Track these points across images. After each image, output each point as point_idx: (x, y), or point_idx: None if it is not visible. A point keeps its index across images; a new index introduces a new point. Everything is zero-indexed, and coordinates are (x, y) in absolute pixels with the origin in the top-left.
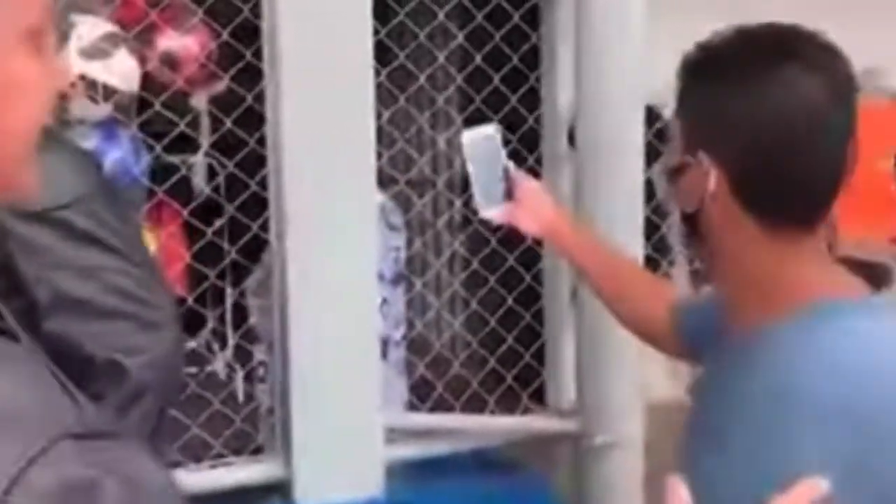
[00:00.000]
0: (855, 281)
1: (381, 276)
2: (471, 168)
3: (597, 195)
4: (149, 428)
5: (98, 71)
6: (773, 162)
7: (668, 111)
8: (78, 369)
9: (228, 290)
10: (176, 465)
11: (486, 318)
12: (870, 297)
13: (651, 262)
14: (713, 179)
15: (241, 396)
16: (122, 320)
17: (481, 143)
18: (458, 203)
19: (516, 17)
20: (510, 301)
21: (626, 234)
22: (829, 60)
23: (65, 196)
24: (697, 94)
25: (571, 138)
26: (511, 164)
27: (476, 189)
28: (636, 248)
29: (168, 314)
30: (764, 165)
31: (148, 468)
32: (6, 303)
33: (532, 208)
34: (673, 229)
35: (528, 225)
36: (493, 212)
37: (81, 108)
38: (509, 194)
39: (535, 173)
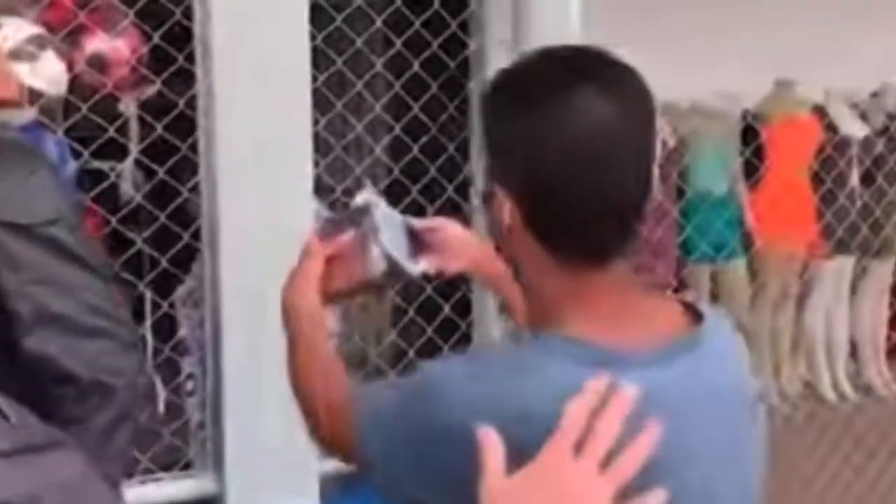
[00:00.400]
0: (633, 324)
1: None
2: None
3: None
4: (132, 452)
5: (24, 73)
6: (560, 193)
7: None
8: (59, 389)
9: (147, 297)
10: None
11: (424, 326)
12: (627, 345)
13: None
14: (507, 211)
15: (161, 409)
16: (102, 339)
17: (373, 209)
18: (395, 212)
19: (454, 26)
20: (447, 310)
21: None
22: (623, 83)
23: (51, 211)
24: (491, 123)
25: None
26: (409, 219)
27: (393, 253)
28: None
29: (136, 333)
30: (551, 196)
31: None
32: None
33: (452, 249)
34: None
35: (451, 266)
36: (417, 267)
37: (6, 111)
38: (423, 245)
39: (468, 182)
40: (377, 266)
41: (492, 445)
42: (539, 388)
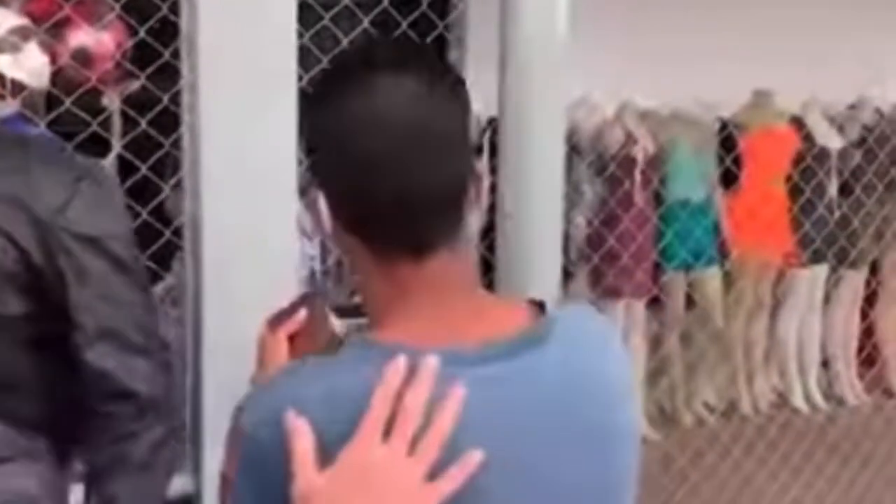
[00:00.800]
0: (455, 322)
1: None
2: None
3: (517, 203)
4: (173, 469)
5: (6, 65)
6: (358, 186)
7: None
8: (117, 405)
9: None
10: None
11: None
12: (442, 348)
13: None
14: (323, 204)
15: None
16: (148, 357)
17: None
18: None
19: (441, 27)
20: None
21: (546, 243)
22: (424, 72)
23: (114, 226)
24: (301, 123)
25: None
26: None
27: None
28: (555, 258)
29: (170, 352)
30: (351, 191)
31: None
32: (35, 325)
33: None
34: (572, 239)
35: None
36: None
37: None
38: None
39: None
40: (338, 328)
41: (300, 435)
42: (336, 397)
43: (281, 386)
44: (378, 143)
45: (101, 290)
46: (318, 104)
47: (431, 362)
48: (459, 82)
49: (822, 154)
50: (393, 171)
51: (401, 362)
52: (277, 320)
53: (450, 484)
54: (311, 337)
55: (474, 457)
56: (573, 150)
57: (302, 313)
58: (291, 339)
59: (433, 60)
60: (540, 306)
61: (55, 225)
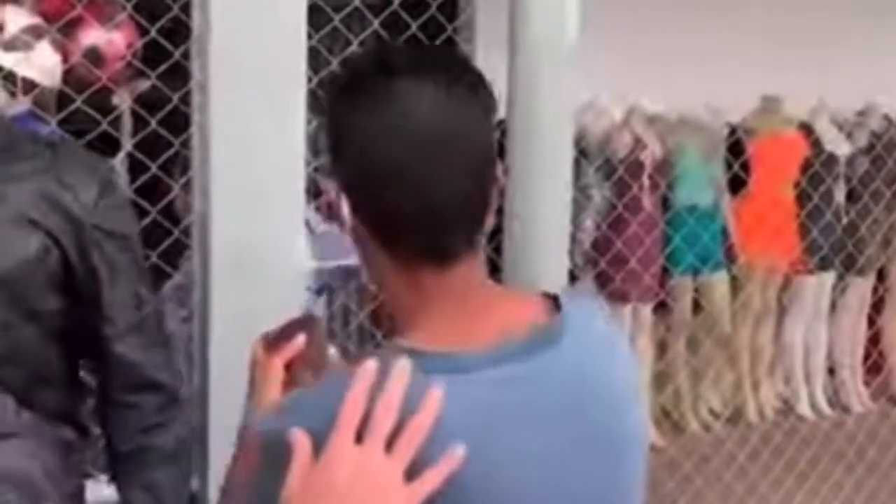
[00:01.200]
0: (478, 325)
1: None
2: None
3: (525, 205)
4: (190, 462)
5: (18, 63)
6: (380, 189)
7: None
8: (144, 396)
9: None
10: (84, 476)
11: None
12: (452, 352)
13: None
14: (345, 209)
15: None
16: (167, 352)
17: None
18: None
19: (450, 29)
20: None
21: (553, 246)
22: (451, 77)
23: (131, 225)
24: (323, 122)
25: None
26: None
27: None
28: (562, 260)
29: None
30: (376, 195)
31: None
32: (66, 319)
33: None
34: (579, 242)
35: None
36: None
37: None
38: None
39: None
40: (334, 356)
41: (300, 445)
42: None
43: (325, 393)
44: (400, 154)
45: (130, 287)
46: (337, 113)
47: (403, 365)
48: (479, 81)
49: (831, 160)
50: (416, 182)
51: (371, 366)
52: (273, 342)
53: (429, 484)
54: (309, 363)
55: (455, 456)
56: (581, 153)
57: (300, 339)
58: (288, 364)
59: (450, 63)
60: (554, 300)
61: (88, 222)
